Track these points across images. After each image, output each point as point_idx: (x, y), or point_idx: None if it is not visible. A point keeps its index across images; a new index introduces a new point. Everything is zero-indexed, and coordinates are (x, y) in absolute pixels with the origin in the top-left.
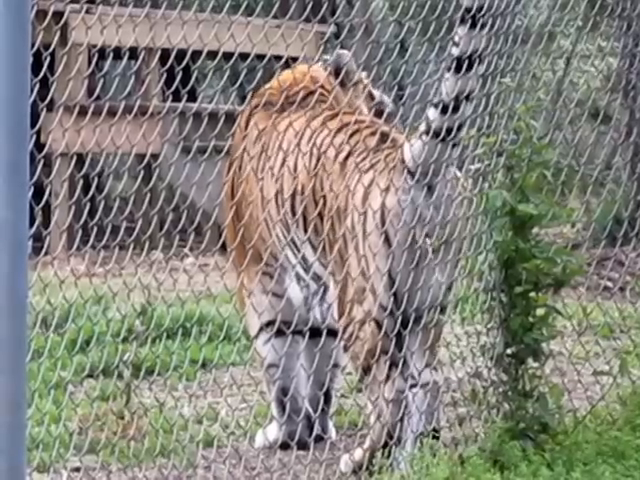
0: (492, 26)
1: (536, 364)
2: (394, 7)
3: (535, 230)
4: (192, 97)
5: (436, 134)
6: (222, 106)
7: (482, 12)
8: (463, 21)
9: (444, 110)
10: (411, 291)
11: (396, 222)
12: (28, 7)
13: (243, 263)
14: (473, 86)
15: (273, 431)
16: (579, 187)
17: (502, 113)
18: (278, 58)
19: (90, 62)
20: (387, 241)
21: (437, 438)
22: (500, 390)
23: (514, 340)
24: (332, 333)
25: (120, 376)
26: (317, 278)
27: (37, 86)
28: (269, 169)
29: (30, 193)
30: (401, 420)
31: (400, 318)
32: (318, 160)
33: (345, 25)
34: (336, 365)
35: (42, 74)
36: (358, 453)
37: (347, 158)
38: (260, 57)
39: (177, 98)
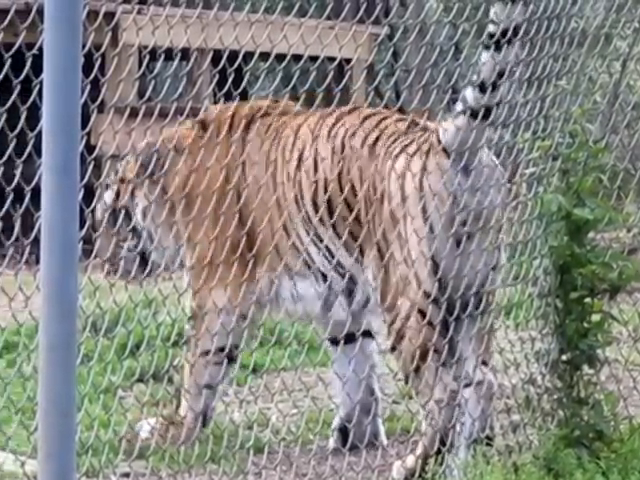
0: (547, 29)
1: (591, 371)
2: (449, 9)
3: (591, 235)
4: (244, 99)
5: (474, 114)
6: None
7: None
8: None
9: (482, 90)
10: (457, 277)
11: (439, 205)
12: (79, 8)
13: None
14: (510, 64)
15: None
16: (635, 191)
17: (558, 116)
18: (331, 60)
19: (141, 63)
20: (430, 225)
21: (491, 445)
22: (554, 397)
23: (569, 346)
24: (367, 334)
25: (170, 381)
26: (342, 273)
27: (88, 87)
28: (285, 169)
29: (80, 195)
30: (453, 426)
31: (447, 308)
32: (343, 148)
33: (399, 27)
34: (374, 365)
35: (93, 75)
36: (410, 460)
37: (377, 142)
38: (313, 59)
39: (229, 100)
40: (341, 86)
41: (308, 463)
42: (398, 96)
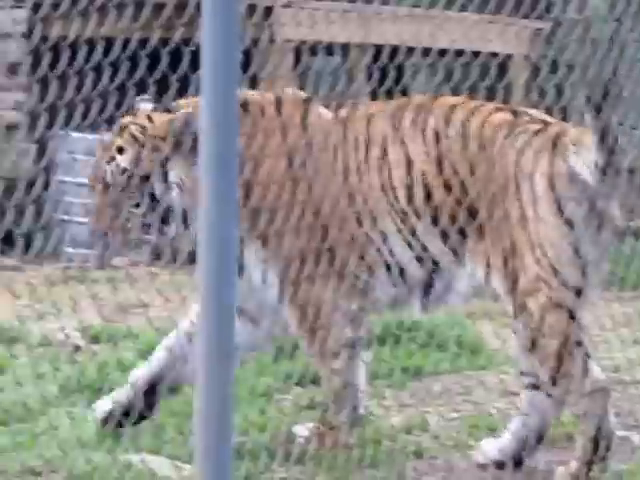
0: None
1: None
2: (613, 5)
3: None
4: (404, 94)
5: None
6: None
7: None
8: None
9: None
10: (591, 272)
11: (576, 205)
12: (238, 2)
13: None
14: None
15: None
16: None
17: None
18: (494, 55)
19: (299, 59)
20: (568, 223)
21: None
22: None
23: None
24: None
25: None
26: (434, 265)
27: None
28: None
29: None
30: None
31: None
32: (438, 142)
33: (562, 22)
34: None
35: (251, 71)
36: (574, 465)
37: (496, 137)
38: (475, 54)
39: (389, 95)
40: (504, 82)
41: (469, 470)
42: (559, 93)
